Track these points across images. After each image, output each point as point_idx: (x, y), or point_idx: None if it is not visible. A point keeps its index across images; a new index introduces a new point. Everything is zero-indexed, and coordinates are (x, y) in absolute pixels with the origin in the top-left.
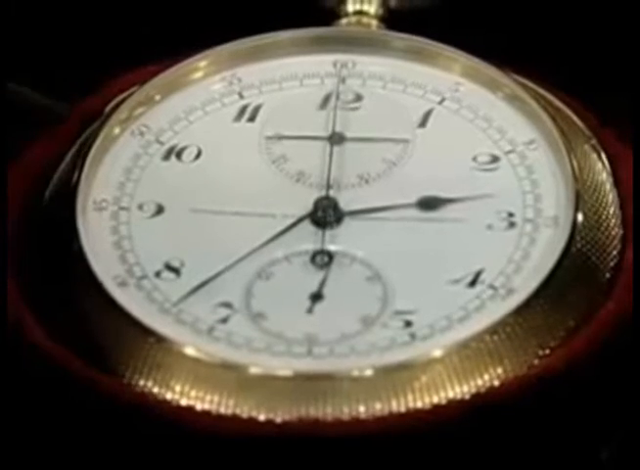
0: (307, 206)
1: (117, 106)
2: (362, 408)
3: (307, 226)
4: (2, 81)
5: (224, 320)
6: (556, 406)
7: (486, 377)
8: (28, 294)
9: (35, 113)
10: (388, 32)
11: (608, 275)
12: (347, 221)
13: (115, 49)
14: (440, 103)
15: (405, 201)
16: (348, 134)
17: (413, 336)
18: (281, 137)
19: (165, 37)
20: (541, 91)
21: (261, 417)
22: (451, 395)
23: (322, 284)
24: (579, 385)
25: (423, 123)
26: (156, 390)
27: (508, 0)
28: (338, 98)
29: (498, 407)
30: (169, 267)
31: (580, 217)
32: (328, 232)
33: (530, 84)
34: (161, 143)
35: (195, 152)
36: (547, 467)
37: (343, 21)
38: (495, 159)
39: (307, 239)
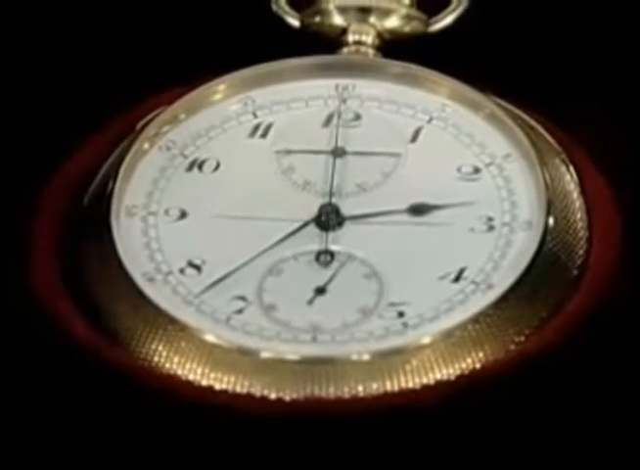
0: (312, 211)
1: (147, 124)
2: (360, 388)
3: (312, 229)
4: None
5: (239, 311)
6: (529, 386)
7: (469, 361)
8: (68, 287)
9: None
10: (383, 60)
11: (575, 272)
12: (348, 225)
13: (146, 75)
14: (429, 122)
15: (398, 207)
16: (349, 148)
17: (405, 325)
18: (289, 151)
19: (190, 65)
20: (517, 111)
21: (272, 396)
22: (438, 376)
23: (330, 280)
24: (550, 368)
25: (414, 139)
26: (180, 372)
27: (487, 32)
28: (339, 117)
29: (480, 387)
30: (192, 265)
31: (551, 222)
32: (331, 234)
33: (508, 105)
34: (185, 156)
35: (214, 164)
36: (523, 440)
37: (344, 50)
38: (477, 170)
39: (312, 240)
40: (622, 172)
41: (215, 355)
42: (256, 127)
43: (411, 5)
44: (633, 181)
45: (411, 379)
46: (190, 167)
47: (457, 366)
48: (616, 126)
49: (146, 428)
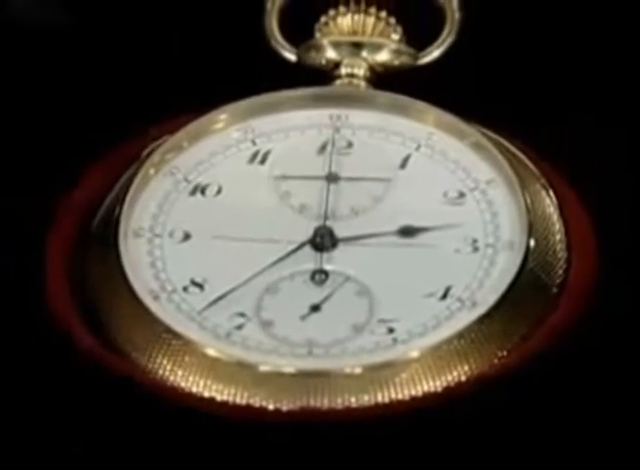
0: (308, 233)
1: (152, 151)
2: (353, 400)
3: (308, 250)
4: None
5: (239, 327)
6: (512, 398)
7: (455, 374)
8: (79, 304)
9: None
10: (374, 91)
11: (555, 290)
12: (341, 246)
13: (152, 105)
14: (417, 149)
15: (388, 229)
16: (342, 174)
17: (395, 340)
18: (286, 177)
19: (193, 96)
20: (500, 139)
21: (270, 407)
22: (426, 388)
23: (325, 298)
24: (531, 381)
25: (403, 166)
26: (183, 384)
27: (473, 64)
28: (333, 145)
29: (465, 399)
30: (195, 283)
31: (532, 243)
32: (325, 255)
33: (491, 133)
34: (188, 181)
35: (216, 189)
36: (506, 449)
37: (338, 82)
38: (462, 195)
39: (308, 260)
40: (601, 196)
41: (217, 369)
42: (255, 154)
43: (400, 40)
44: (611, 205)
45: (400, 391)
46: (193, 192)
47: (444, 379)
48: (596, 154)
49: (150, 438)
